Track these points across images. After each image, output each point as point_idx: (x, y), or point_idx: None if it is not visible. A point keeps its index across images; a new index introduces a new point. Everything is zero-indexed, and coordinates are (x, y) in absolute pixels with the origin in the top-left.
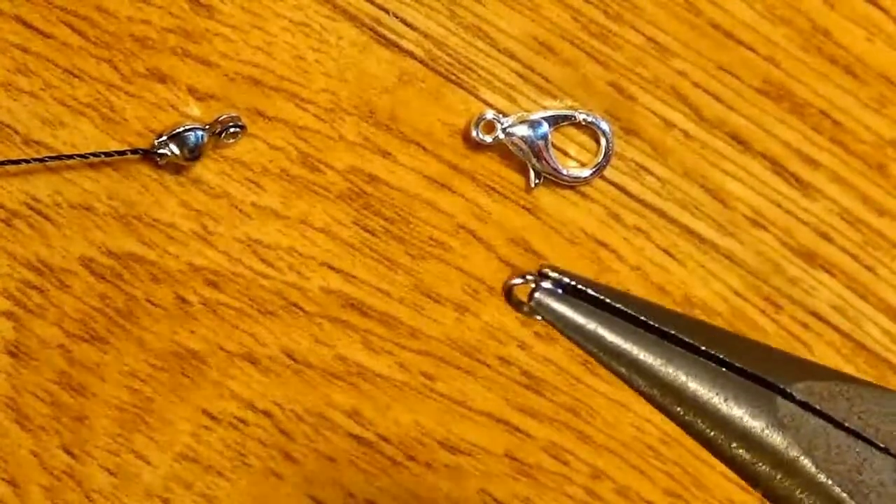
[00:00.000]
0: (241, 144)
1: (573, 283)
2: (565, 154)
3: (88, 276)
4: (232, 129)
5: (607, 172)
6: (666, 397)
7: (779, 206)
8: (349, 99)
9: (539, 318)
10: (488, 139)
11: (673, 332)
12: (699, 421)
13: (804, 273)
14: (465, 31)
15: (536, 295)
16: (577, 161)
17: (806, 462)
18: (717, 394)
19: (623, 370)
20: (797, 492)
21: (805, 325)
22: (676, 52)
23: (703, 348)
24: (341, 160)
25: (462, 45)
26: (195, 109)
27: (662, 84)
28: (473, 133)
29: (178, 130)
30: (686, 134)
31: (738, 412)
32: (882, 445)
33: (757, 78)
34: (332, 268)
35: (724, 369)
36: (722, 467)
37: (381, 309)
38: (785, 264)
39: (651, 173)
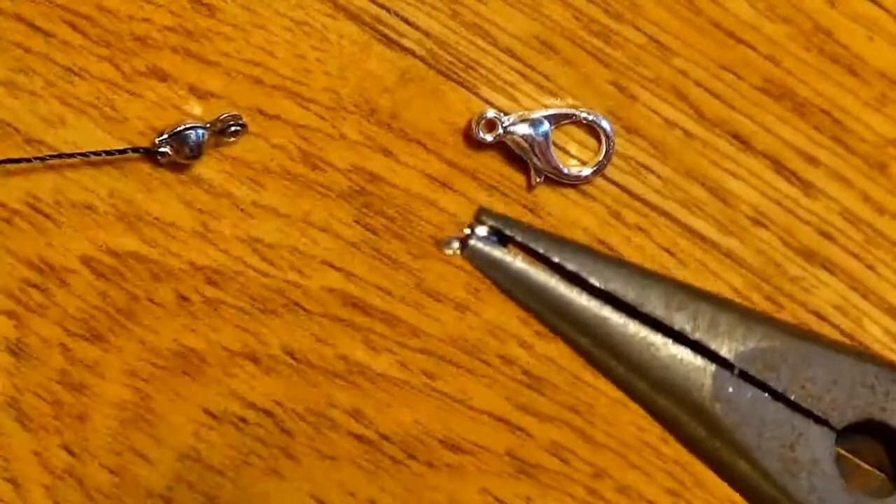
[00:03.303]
0: (242, 143)
1: (508, 231)
2: (566, 153)
3: (89, 275)
4: (233, 128)
5: (608, 171)
6: (603, 355)
7: (780, 205)
8: (350, 97)
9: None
10: (489, 138)
11: (612, 287)
12: (637, 383)
13: (805, 272)
14: (467, 30)
15: (471, 242)
16: (578, 160)
17: (738, 436)
18: (652, 357)
19: (561, 325)
20: (731, 461)
21: (806, 324)
22: (677, 51)
23: (646, 311)
24: (342, 159)
25: (463, 43)
26: (196, 108)
27: (663, 83)
28: (474, 132)
29: (179, 129)
30: (687, 133)
31: (674, 380)
32: (822, 417)
33: (758, 77)
34: (333, 266)
35: (662, 334)
36: None
37: (383, 308)
38: (786, 263)
39: (652, 172)
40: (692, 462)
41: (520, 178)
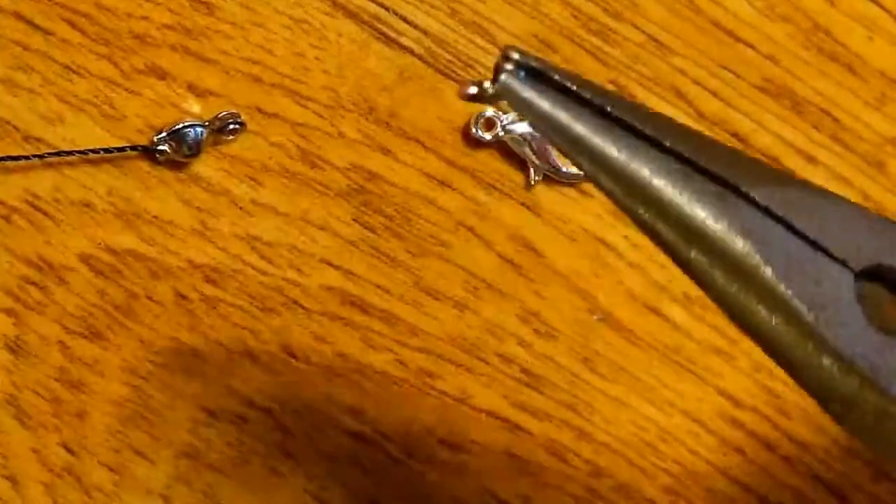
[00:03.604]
0: (241, 141)
1: (539, 66)
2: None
3: (88, 273)
4: (231, 126)
5: None
6: (628, 194)
7: None
8: (349, 96)
9: (504, 102)
10: (488, 136)
11: (639, 126)
12: (660, 221)
13: None
14: (465, 29)
15: (502, 77)
16: None
17: (766, 270)
18: (680, 192)
19: (588, 164)
20: (754, 302)
21: None
22: (676, 50)
23: (669, 144)
24: (341, 157)
25: (462, 42)
26: (195, 106)
27: (662, 81)
28: (473, 130)
29: (177, 127)
30: None
31: (700, 213)
32: (841, 258)
33: (757, 75)
34: (331, 265)
35: (688, 168)
36: (721, 465)
37: (381, 306)
38: None
39: None
40: (692, 462)
41: (518, 177)
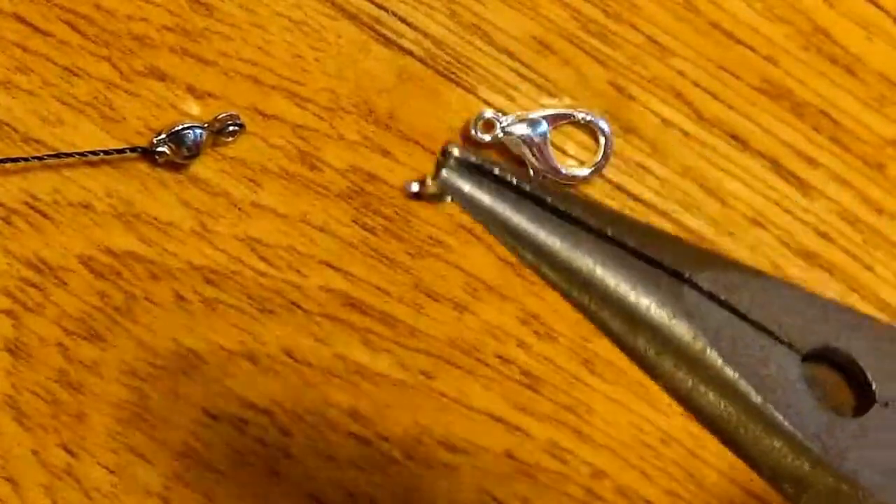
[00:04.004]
0: (240, 143)
1: (479, 162)
2: (564, 153)
3: (87, 274)
4: (231, 128)
5: (606, 171)
6: (572, 284)
7: (778, 205)
8: (348, 97)
9: (448, 199)
10: (487, 138)
11: (581, 216)
12: (605, 310)
13: (803, 272)
14: (465, 30)
15: (443, 172)
16: (576, 160)
17: (712, 354)
18: (623, 281)
19: (531, 255)
20: (701, 387)
21: None
22: (676, 52)
23: (611, 234)
24: (340, 159)
25: (461, 43)
26: (194, 108)
27: (662, 83)
28: (472, 132)
29: (176, 129)
30: (685, 133)
31: (644, 301)
32: (787, 341)
33: (756, 77)
34: (331, 266)
35: (631, 257)
36: (721, 467)
37: (381, 308)
38: (784, 263)
39: (650, 172)
40: (691, 462)
41: None
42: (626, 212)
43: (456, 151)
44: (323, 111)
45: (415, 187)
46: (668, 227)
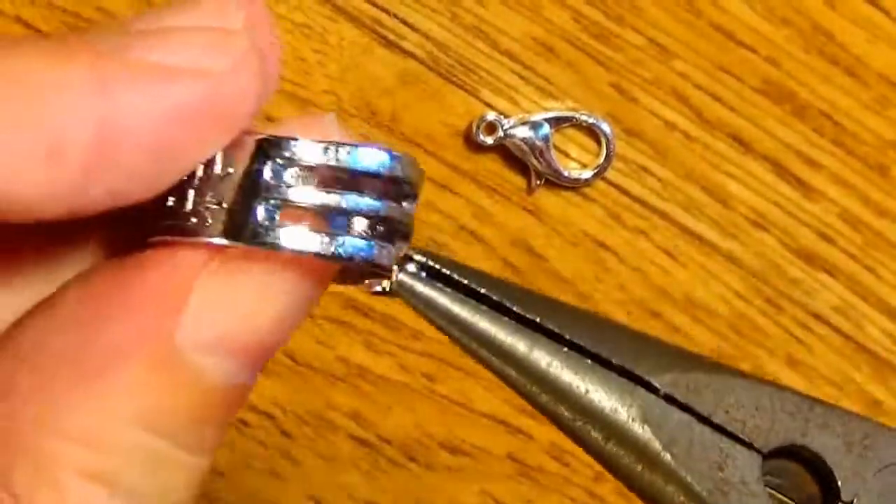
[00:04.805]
0: None
1: (437, 265)
2: (566, 155)
3: None
4: None
5: (608, 174)
6: (530, 385)
7: (780, 207)
8: (350, 100)
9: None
10: (489, 140)
11: (538, 319)
12: (563, 410)
13: (805, 274)
14: (467, 33)
15: (400, 276)
16: (578, 162)
17: (666, 457)
18: (580, 384)
19: (488, 357)
20: (658, 485)
21: (806, 327)
22: (677, 54)
23: (569, 337)
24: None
25: (463, 46)
26: None
27: (663, 85)
28: (475, 134)
29: None
30: (687, 135)
31: (601, 404)
32: (747, 440)
33: (758, 79)
34: None
35: (588, 360)
36: None
37: (383, 310)
38: (786, 265)
39: (652, 174)
40: None
41: (520, 181)
42: (628, 216)
43: (418, 257)
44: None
45: (378, 288)
46: (669, 228)
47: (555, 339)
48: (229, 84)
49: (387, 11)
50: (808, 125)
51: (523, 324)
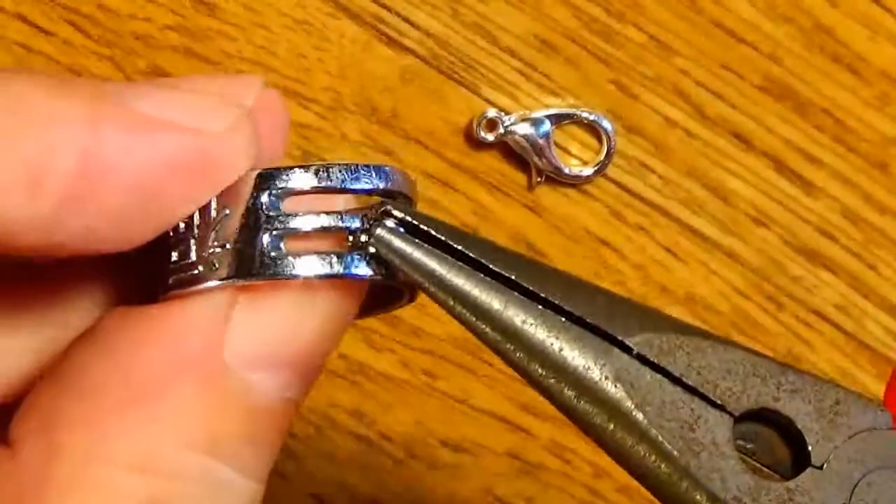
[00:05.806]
0: None
1: (415, 221)
2: (567, 152)
3: None
4: None
5: (609, 170)
6: (504, 342)
7: (781, 204)
8: (351, 97)
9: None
10: (490, 137)
11: (514, 276)
12: (536, 367)
13: (806, 271)
14: (467, 30)
15: (378, 231)
16: (579, 159)
17: (638, 416)
18: (553, 342)
19: (464, 312)
20: (629, 444)
21: (807, 324)
22: (678, 51)
23: (543, 295)
24: (343, 158)
25: (464, 43)
26: None
27: (664, 82)
28: (476, 131)
29: None
30: (688, 132)
31: (573, 362)
32: (718, 402)
33: (759, 76)
34: None
35: (562, 318)
36: None
37: None
38: (787, 262)
39: (653, 171)
40: None
41: (521, 178)
42: (629, 213)
43: (396, 212)
44: (326, 111)
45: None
46: (670, 225)
47: (530, 296)
48: (220, 144)
49: (388, 8)
50: (809, 122)
51: (499, 281)
